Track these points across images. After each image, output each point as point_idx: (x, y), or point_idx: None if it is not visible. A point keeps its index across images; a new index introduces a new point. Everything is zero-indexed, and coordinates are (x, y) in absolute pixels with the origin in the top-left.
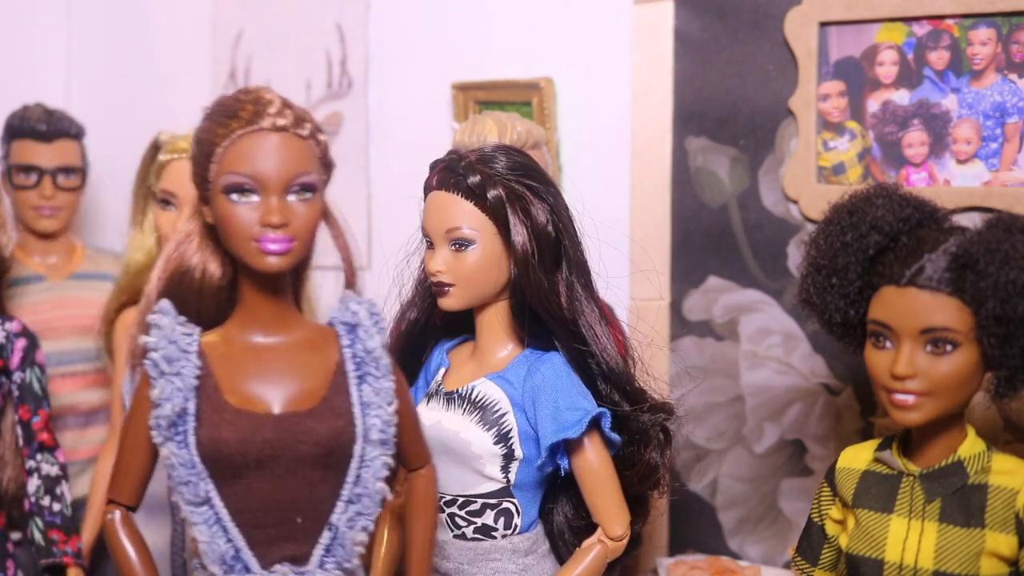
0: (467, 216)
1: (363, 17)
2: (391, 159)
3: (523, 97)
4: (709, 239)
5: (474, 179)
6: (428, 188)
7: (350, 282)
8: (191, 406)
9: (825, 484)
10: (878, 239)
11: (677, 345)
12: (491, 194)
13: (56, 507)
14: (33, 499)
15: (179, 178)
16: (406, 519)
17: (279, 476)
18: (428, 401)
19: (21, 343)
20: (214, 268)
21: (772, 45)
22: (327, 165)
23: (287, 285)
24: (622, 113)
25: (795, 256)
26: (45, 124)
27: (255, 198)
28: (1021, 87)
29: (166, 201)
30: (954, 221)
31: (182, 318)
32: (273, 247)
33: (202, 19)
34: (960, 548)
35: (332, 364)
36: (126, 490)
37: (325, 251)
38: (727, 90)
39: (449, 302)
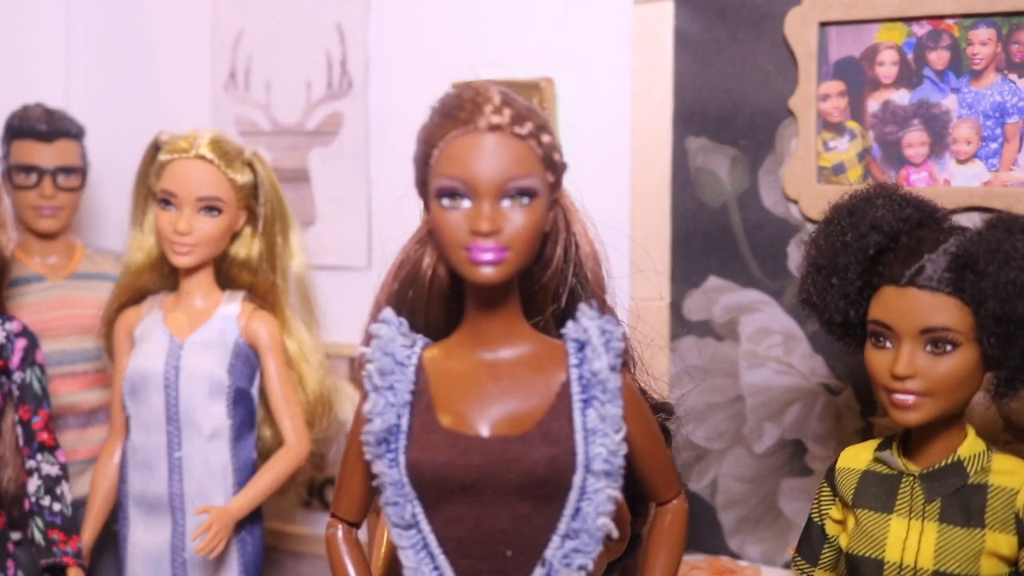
0: None
1: (363, 17)
2: (391, 159)
3: (523, 97)
4: (709, 239)
5: None
6: None
7: (593, 292)
8: (403, 423)
9: (825, 484)
10: (878, 239)
11: (677, 345)
12: None
13: (56, 507)
14: (33, 499)
15: (179, 178)
16: (644, 554)
17: (486, 504)
18: None
19: (21, 343)
20: (443, 274)
21: (772, 45)
22: (553, 166)
23: (513, 296)
24: (622, 113)
25: (795, 256)
26: (45, 124)
27: (467, 203)
28: (1021, 87)
29: (166, 201)
30: (954, 221)
31: (405, 327)
32: (483, 256)
33: (202, 19)
34: (960, 548)
35: (556, 385)
36: (346, 505)
37: (323, 251)
38: (727, 90)
39: None
